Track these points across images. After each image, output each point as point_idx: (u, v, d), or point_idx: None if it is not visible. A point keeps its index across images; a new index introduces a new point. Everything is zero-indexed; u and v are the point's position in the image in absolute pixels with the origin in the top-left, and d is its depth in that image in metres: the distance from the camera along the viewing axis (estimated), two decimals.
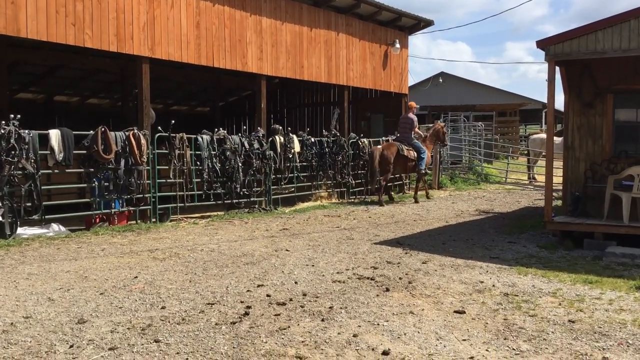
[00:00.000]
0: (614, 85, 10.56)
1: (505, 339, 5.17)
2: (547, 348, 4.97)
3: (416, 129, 17.01)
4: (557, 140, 16.51)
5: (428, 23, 20.41)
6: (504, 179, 22.80)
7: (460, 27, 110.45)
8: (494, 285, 7.02)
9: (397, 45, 19.42)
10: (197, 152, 12.69)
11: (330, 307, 6.01)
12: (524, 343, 5.07)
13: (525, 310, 6.01)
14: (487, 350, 4.91)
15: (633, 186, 9.61)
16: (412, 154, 16.32)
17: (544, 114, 37.66)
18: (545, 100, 11.26)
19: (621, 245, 9.07)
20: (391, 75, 19.79)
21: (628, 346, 5.03)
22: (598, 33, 9.27)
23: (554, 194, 11.30)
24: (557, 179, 11.86)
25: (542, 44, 9.78)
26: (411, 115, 16.78)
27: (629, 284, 7.07)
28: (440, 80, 41.24)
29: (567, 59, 9.83)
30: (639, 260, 8.34)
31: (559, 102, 13.04)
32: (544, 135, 21.79)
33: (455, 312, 5.93)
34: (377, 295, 6.51)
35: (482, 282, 7.20)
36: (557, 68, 10.34)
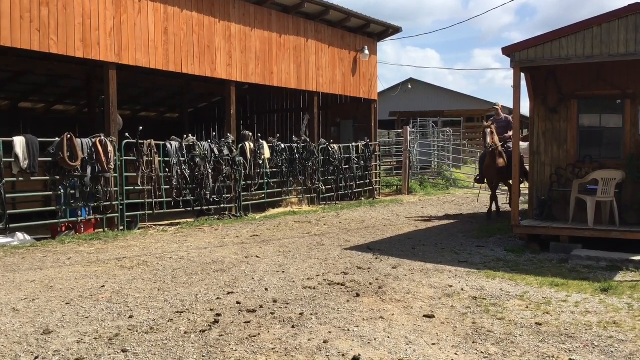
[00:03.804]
0: (578, 91, 10.77)
1: (474, 342, 5.22)
2: (514, 351, 5.03)
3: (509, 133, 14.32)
4: (523, 145, 16.79)
5: (396, 30, 20.60)
6: (472, 183, 23.07)
7: (429, 34, 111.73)
8: (462, 289, 7.09)
9: (366, 52, 19.55)
10: (165, 159, 12.58)
11: (300, 314, 6.00)
12: (492, 346, 5.13)
13: (494, 314, 6.08)
14: (456, 354, 4.95)
15: (597, 190, 9.80)
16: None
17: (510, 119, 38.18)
18: (511, 106, 11.42)
19: (586, 248, 9.23)
20: (360, 82, 19.90)
21: (594, 348, 5.12)
22: (562, 40, 9.46)
23: (520, 198, 11.48)
24: (524, 183, 12.05)
25: (507, 50, 9.93)
26: (502, 117, 14.99)
27: (594, 287, 7.20)
28: (409, 86, 41.57)
29: (532, 65, 10.00)
30: (603, 262, 8.51)
31: (525, 108, 13.27)
32: None
33: (424, 316, 5.97)
34: (348, 301, 6.52)
35: (451, 286, 7.26)
36: (523, 74, 10.51)
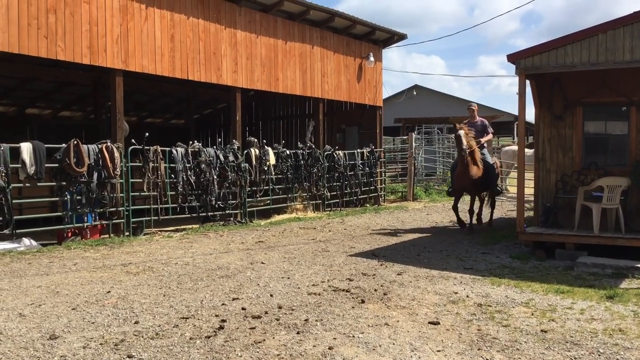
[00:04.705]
0: (583, 98, 10.77)
1: (479, 349, 5.22)
2: (520, 358, 5.02)
3: (485, 138, 13.23)
4: (529, 152, 16.76)
5: (401, 37, 20.64)
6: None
7: (434, 41, 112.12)
8: (467, 296, 7.08)
9: (372, 59, 19.59)
10: (171, 165, 12.63)
11: (305, 320, 6.01)
12: (498, 353, 5.12)
13: (499, 321, 6.07)
14: None
15: (602, 197, 9.78)
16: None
17: (515, 126, 38.21)
18: (517, 113, 11.39)
19: (592, 255, 9.21)
20: (366, 88, 19.93)
21: (599, 355, 5.10)
22: (567, 47, 9.46)
23: (526, 205, 11.46)
24: (529, 190, 12.02)
25: (512, 57, 9.94)
26: (478, 119, 13.47)
27: (600, 294, 7.18)
28: (415, 93, 41.68)
29: (537, 72, 10.00)
30: (609, 270, 8.48)
31: (530, 115, 13.30)
32: (515, 147, 22.10)
33: (429, 323, 5.97)
34: (353, 307, 6.52)
35: (456, 292, 7.26)
36: (528, 81, 10.51)
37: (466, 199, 14.18)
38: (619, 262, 8.66)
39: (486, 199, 14.00)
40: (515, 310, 6.47)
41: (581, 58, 9.38)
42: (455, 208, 13.19)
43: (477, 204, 13.50)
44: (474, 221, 13.31)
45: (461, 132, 12.06)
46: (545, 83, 10.93)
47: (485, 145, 13.28)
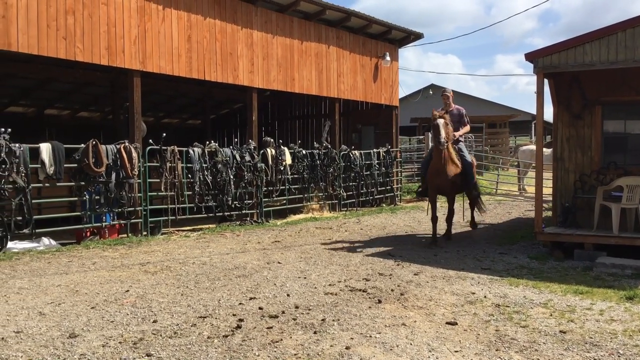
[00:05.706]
0: (602, 96, 10.66)
1: (497, 350, 5.19)
2: (538, 359, 4.99)
3: (462, 130, 11.56)
4: (547, 151, 16.61)
5: (418, 36, 20.57)
6: (495, 190, 22.91)
7: (450, 40, 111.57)
8: (485, 297, 7.05)
9: (388, 58, 19.55)
10: (188, 165, 12.69)
11: (322, 320, 6.01)
12: (516, 354, 5.09)
13: (517, 321, 6.03)
14: None
15: (622, 197, 9.68)
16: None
17: (533, 125, 37.93)
18: (534, 112, 11.26)
19: (611, 255, 9.11)
20: (382, 88, 19.89)
21: (619, 356, 5.05)
22: (586, 46, 9.38)
23: (544, 204, 11.36)
24: (547, 190, 11.91)
25: (530, 56, 9.87)
26: (454, 108, 11.72)
27: (619, 295, 7.11)
28: (431, 92, 41.48)
29: (555, 71, 9.92)
30: (628, 270, 8.40)
31: (548, 114, 13.11)
32: (533, 147, 21.93)
33: (447, 323, 5.95)
34: (370, 307, 6.52)
35: (473, 293, 7.22)
36: (546, 80, 10.44)
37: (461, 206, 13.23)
38: (639, 262, 8.57)
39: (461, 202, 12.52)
40: (534, 311, 6.43)
41: (600, 57, 9.30)
42: (434, 219, 11.22)
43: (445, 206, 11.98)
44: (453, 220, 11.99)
45: (440, 122, 10.44)
46: (563, 82, 10.84)
47: (462, 139, 11.71)
